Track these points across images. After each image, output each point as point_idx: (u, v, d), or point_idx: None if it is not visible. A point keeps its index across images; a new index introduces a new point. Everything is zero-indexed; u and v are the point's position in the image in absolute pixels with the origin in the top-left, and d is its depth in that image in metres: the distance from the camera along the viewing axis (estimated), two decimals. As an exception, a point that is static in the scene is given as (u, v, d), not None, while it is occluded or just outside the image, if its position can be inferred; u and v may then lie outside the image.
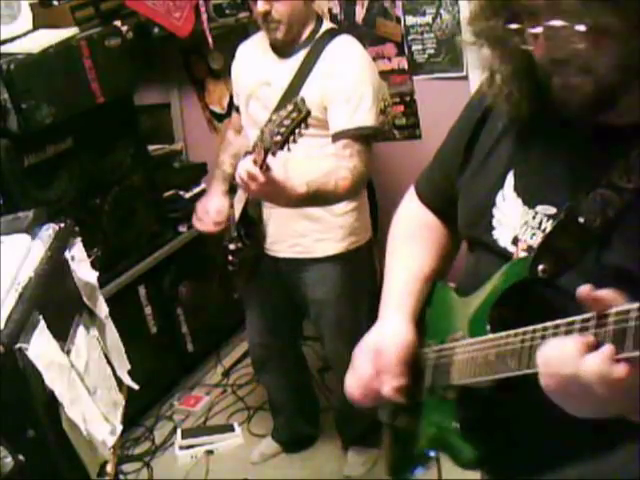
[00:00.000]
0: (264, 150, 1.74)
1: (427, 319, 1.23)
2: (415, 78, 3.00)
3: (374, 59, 3.03)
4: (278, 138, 1.70)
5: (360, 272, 2.43)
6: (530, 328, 0.90)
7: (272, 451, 2.93)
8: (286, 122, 1.71)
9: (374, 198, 3.17)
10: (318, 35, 2.28)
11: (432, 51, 2.91)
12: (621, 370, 0.75)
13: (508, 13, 0.94)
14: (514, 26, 0.93)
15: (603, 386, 0.76)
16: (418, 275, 1.25)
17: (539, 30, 0.88)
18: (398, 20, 2.94)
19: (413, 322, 1.20)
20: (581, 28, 0.85)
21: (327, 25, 2.33)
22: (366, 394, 1.17)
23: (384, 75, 3.05)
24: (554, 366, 0.81)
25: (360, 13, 3.03)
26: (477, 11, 0.98)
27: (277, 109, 2.24)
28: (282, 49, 2.31)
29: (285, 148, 1.72)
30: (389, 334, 1.18)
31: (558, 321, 0.85)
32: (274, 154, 1.73)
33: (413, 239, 1.30)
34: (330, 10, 3.08)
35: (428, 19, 2.87)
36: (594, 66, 0.88)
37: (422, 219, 1.32)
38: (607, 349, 0.76)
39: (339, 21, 3.07)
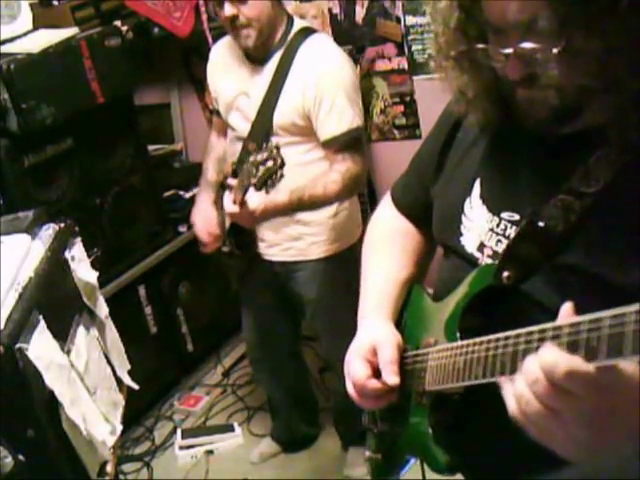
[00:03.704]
0: (241, 190, 1.91)
1: (404, 324, 1.24)
2: (415, 78, 3.00)
3: (374, 59, 3.04)
4: (254, 181, 1.83)
5: (354, 270, 2.42)
6: (494, 336, 0.90)
7: (272, 451, 2.93)
8: (261, 168, 1.81)
9: (374, 198, 3.18)
10: (290, 36, 2.22)
11: (431, 41, 2.90)
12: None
13: (476, 32, 0.96)
14: (484, 46, 0.94)
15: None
16: (394, 281, 1.27)
17: (511, 50, 0.90)
18: (398, 20, 2.94)
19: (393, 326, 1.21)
20: (555, 49, 0.86)
21: (299, 24, 2.27)
22: (365, 396, 1.17)
23: (384, 75, 3.05)
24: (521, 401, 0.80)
25: (360, 13, 3.03)
26: (444, 32, 1.00)
27: (255, 122, 2.26)
28: (256, 55, 2.26)
29: (263, 191, 1.85)
30: (381, 334, 1.18)
31: (519, 330, 0.85)
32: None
33: (388, 246, 1.32)
34: (330, 10, 3.08)
35: (428, 19, 2.87)
36: (561, 82, 0.90)
37: (397, 226, 1.34)
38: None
39: (339, 21, 3.07)
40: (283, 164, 1.81)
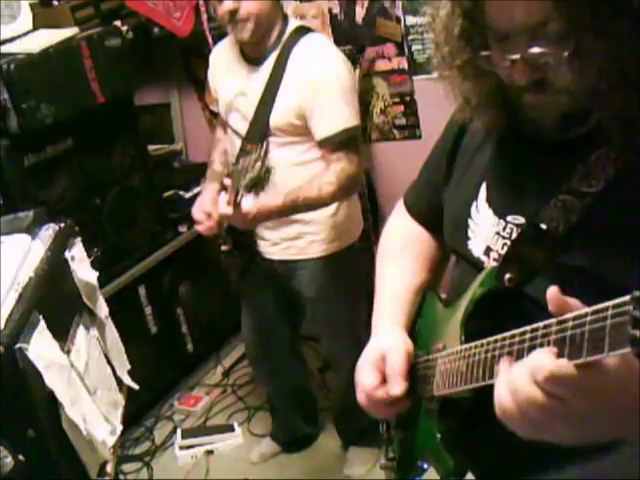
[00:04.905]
0: (235, 191, 1.92)
1: (417, 330, 1.25)
2: (415, 78, 3.00)
3: (374, 59, 3.04)
4: (243, 183, 1.87)
5: (354, 269, 2.43)
6: (493, 338, 0.91)
7: (272, 451, 2.93)
8: (250, 171, 1.85)
9: (374, 197, 3.18)
10: (285, 36, 2.22)
11: (432, 51, 2.90)
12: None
13: (480, 40, 0.95)
14: (488, 53, 0.93)
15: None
16: (408, 288, 1.27)
17: (517, 56, 0.89)
18: (398, 20, 2.94)
19: (407, 333, 1.22)
20: (565, 53, 0.85)
21: (294, 24, 2.27)
22: (374, 405, 1.17)
23: (384, 75, 3.05)
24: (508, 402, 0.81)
25: (360, 13, 3.03)
26: (448, 41, 0.99)
27: (253, 123, 2.27)
28: (252, 55, 2.27)
29: (252, 193, 1.89)
30: (391, 342, 1.18)
31: (515, 331, 0.86)
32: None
33: (402, 253, 1.32)
34: (330, 10, 3.08)
35: (428, 19, 2.87)
36: (571, 85, 0.89)
37: (411, 232, 1.34)
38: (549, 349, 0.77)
39: (339, 21, 3.07)
40: (271, 168, 1.84)
